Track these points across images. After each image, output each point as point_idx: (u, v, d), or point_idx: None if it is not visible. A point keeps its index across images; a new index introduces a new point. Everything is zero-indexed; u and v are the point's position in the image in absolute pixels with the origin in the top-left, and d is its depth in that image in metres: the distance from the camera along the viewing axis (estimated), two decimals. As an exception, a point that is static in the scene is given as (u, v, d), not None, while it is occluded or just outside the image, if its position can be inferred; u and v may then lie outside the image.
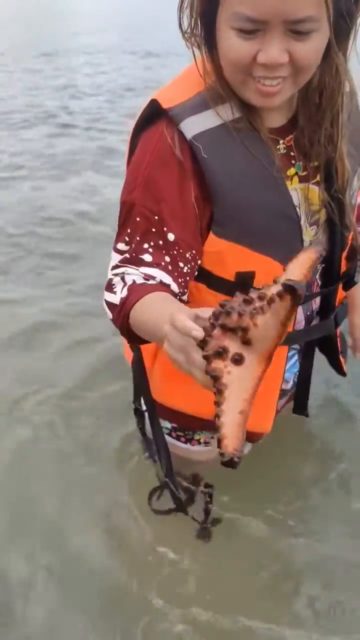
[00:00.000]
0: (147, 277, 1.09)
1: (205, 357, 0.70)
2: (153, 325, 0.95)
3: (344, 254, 1.29)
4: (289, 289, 0.67)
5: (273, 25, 0.91)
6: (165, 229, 1.09)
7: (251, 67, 0.98)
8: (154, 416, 1.46)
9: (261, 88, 1.00)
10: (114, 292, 1.11)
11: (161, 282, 1.09)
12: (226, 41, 0.97)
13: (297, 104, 1.14)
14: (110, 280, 1.13)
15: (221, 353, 0.70)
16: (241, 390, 0.69)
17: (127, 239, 1.13)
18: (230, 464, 0.66)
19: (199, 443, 1.52)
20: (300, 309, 1.28)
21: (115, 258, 1.15)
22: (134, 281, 1.08)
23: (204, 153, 1.06)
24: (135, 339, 1.10)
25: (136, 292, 1.05)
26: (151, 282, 1.09)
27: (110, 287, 1.13)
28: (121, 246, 1.14)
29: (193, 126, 1.06)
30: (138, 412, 1.67)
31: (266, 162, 1.10)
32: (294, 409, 1.50)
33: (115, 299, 1.10)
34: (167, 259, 1.10)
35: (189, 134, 1.06)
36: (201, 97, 1.08)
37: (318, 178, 1.20)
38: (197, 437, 1.51)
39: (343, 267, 1.31)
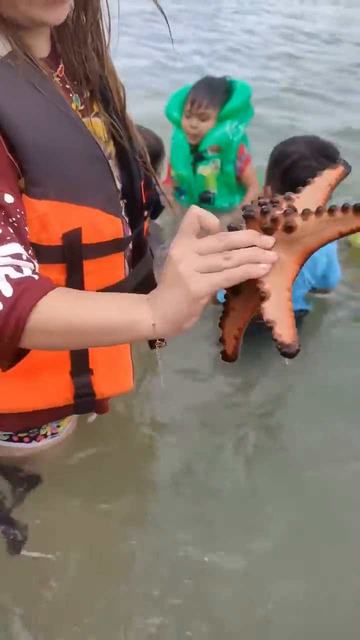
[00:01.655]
0: (15, 257, 0.81)
1: (273, 220, 0.71)
2: (98, 317, 0.78)
3: (142, 183, 1.20)
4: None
5: None
6: None
7: None
8: None
9: None
10: None
11: (28, 260, 0.84)
12: None
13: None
14: None
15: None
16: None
17: None
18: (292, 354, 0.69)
19: (46, 437, 1.35)
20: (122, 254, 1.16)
21: None
22: (7, 275, 0.78)
23: None
24: (14, 350, 0.80)
25: (33, 288, 0.78)
26: (26, 269, 0.81)
27: None
28: None
29: None
30: None
31: (56, 100, 0.95)
32: None
33: None
34: (11, 230, 0.84)
35: None
36: None
37: (95, 109, 1.09)
38: (42, 431, 1.34)
39: (144, 198, 1.22)
